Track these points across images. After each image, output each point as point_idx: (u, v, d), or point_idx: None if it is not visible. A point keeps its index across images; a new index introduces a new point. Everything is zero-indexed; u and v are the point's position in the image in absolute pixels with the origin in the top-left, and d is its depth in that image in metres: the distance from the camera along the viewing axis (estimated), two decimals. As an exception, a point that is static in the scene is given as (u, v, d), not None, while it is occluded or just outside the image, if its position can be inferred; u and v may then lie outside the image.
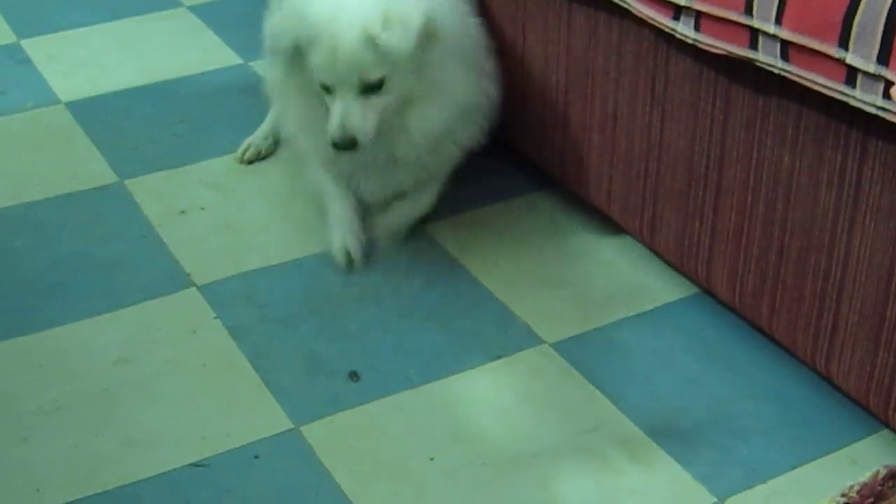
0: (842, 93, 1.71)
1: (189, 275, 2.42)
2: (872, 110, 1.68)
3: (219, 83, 3.13)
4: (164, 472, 1.96)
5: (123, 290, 2.38)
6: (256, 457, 1.99)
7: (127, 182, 2.72)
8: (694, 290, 2.33)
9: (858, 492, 1.88)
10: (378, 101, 2.21)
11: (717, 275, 2.14)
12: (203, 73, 3.18)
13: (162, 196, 2.67)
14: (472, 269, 2.41)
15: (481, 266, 2.42)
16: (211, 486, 1.94)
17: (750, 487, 1.93)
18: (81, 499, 1.91)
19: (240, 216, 2.61)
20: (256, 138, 2.80)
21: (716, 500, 1.91)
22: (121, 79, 3.15)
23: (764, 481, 1.94)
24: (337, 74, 2.19)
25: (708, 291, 2.26)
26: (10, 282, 2.40)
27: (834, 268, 1.90)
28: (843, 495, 1.88)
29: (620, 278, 2.39)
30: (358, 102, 2.19)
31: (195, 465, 1.98)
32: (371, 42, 2.14)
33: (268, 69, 2.50)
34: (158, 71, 3.19)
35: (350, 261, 2.39)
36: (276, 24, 2.27)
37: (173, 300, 2.35)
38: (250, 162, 2.77)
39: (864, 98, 1.68)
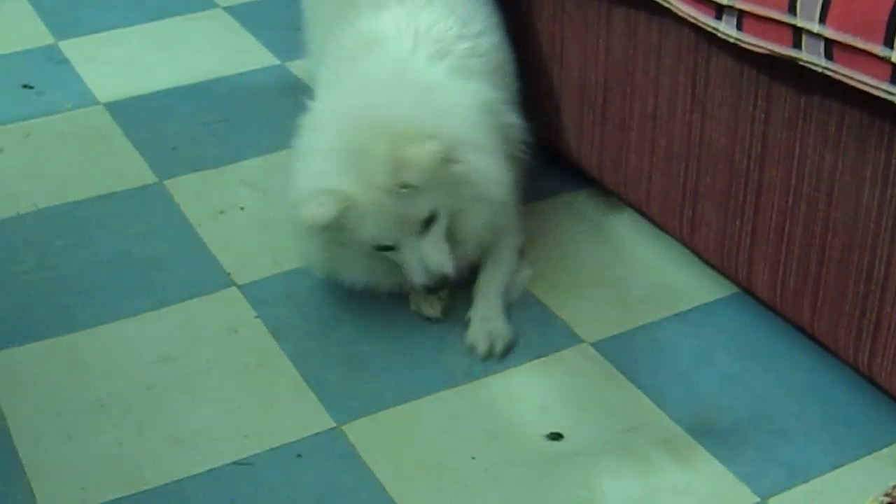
0: (886, 91, 1.71)
1: (229, 274, 2.43)
2: (918, 109, 1.68)
3: (256, 83, 3.15)
4: (208, 470, 1.97)
5: (164, 289, 2.39)
6: (299, 455, 2.00)
7: (166, 182, 2.74)
8: (734, 289, 2.33)
9: (902, 491, 1.88)
10: (438, 231, 2.15)
11: (758, 274, 2.14)
12: (240, 74, 3.19)
13: (201, 196, 2.69)
14: (512, 269, 2.41)
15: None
16: (254, 484, 1.95)
17: (792, 487, 1.93)
18: (126, 496, 1.93)
19: (279, 215, 2.60)
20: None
21: (758, 499, 1.91)
22: (158, 79, 3.18)
23: (806, 480, 1.94)
24: (392, 232, 2.13)
25: (748, 291, 2.26)
26: (53, 281, 2.42)
27: (877, 267, 1.90)
28: (886, 495, 1.87)
29: (660, 278, 2.39)
30: (427, 242, 2.14)
31: (238, 463, 1.99)
32: (407, 190, 2.06)
33: (301, 241, 2.29)
34: (196, 71, 3.21)
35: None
36: (306, 215, 2.11)
37: (214, 299, 2.37)
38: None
39: (909, 97, 1.68)
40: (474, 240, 2.25)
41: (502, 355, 2.19)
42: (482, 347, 2.19)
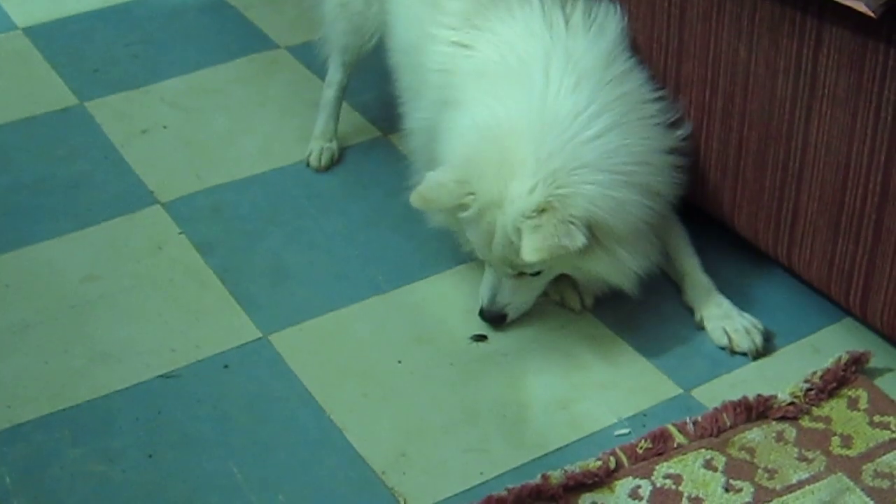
0: (794, -21, 1.72)
1: (153, 192, 2.42)
2: (825, -6, 1.69)
3: (177, 3, 3.11)
4: (136, 384, 1.98)
5: (88, 209, 2.38)
6: (226, 366, 2.01)
7: (87, 104, 2.71)
8: (657, 189, 2.34)
9: (822, 377, 1.92)
10: (535, 282, 2.01)
11: (679, 172, 2.15)
12: (161, -6, 3.16)
13: (123, 116, 2.67)
14: (437, 177, 2.41)
15: (445, 174, 2.42)
16: (182, 396, 1.95)
17: (715, 378, 1.96)
18: (53, 413, 1.93)
19: (202, 133, 2.60)
20: (324, 141, 2.52)
21: (681, 391, 1.93)
22: (77, 3, 3.13)
23: (729, 371, 1.97)
24: (492, 257, 1.97)
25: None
26: (-26, 205, 2.40)
27: (792, 157, 1.91)
28: (806, 381, 1.91)
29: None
30: (511, 282, 2.00)
31: (165, 376, 1.99)
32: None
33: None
34: (115, -7, 3.17)
35: None
36: (433, 190, 1.92)
37: (138, 218, 2.36)
38: (328, 167, 2.49)
39: (817, -17, 1.69)
40: (595, 287, 2.07)
41: (764, 348, 2.01)
42: (748, 346, 2.00)
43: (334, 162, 2.48)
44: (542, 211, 1.85)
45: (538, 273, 1.99)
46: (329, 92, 2.50)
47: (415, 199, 1.93)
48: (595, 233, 1.88)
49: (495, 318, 2.04)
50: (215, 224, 2.33)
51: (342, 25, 2.39)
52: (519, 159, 1.88)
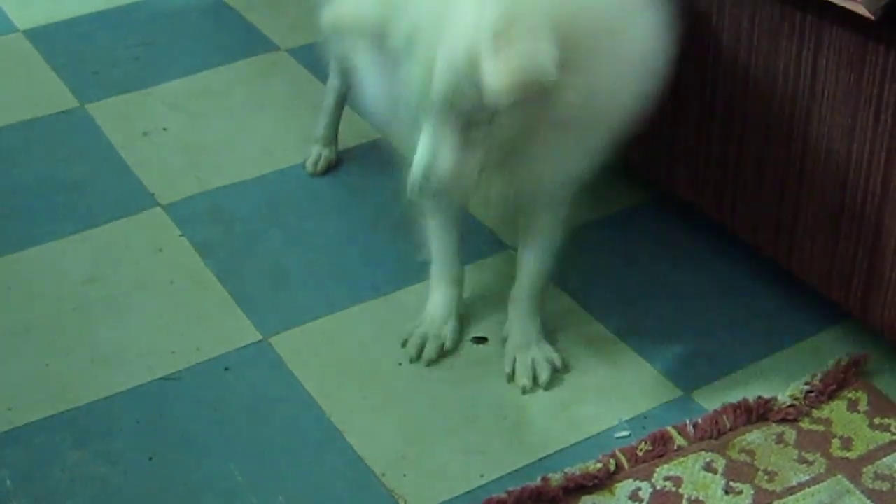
0: (794, -19, 1.72)
1: (153, 194, 2.42)
2: (824, -4, 1.69)
3: (178, 5, 3.11)
4: (136, 387, 1.98)
5: (89, 211, 2.38)
6: (226, 369, 2.01)
7: (88, 106, 2.72)
8: (656, 191, 2.34)
9: (822, 379, 1.92)
10: (480, 143, 1.59)
11: (679, 174, 2.15)
12: (161, -3, 3.17)
13: (124, 119, 2.67)
14: (437, 179, 2.41)
15: (445, 176, 2.42)
16: (182, 399, 1.95)
17: (715, 380, 1.96)
18: (54, 415, 1.93)
19: (202, 135, 2.61)
20: (322, 146, 2.51)
21: (682, 393, 1.93)
22: (78, 5, 3.14)
23: (729, 373, 1.97)
24: (430, 103, 1.56)
25: (670, 193, 2.27)
26: (-25, 207, 2.41)
27: (792, 159, 1.91)
28: (806, 383, 1.91)
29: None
30: (452, 141, 1.57)
31: (166, 378, 1.99)
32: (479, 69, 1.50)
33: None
34: (116, -4, 3.18)
35: (418, 356, 2.01)
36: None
37: (139, 220, 2.36)
38: (324, 173, 2.49)
39: (817, -15, 1.69)
40: (541, 182, 1.79)
41: (546, 384, 1.96)
42: (523, 381, 1.95)
43: (331, 167, 2.48)
44: (500, 33, 1.48)
45: (490, 124, 1.57)
46: (329, 98, 2.49)
47: (327, 18, 1.59)
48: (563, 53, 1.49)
49: (430, 191, 1.59)
50: (215, 226, 2.33)
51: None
52: None
